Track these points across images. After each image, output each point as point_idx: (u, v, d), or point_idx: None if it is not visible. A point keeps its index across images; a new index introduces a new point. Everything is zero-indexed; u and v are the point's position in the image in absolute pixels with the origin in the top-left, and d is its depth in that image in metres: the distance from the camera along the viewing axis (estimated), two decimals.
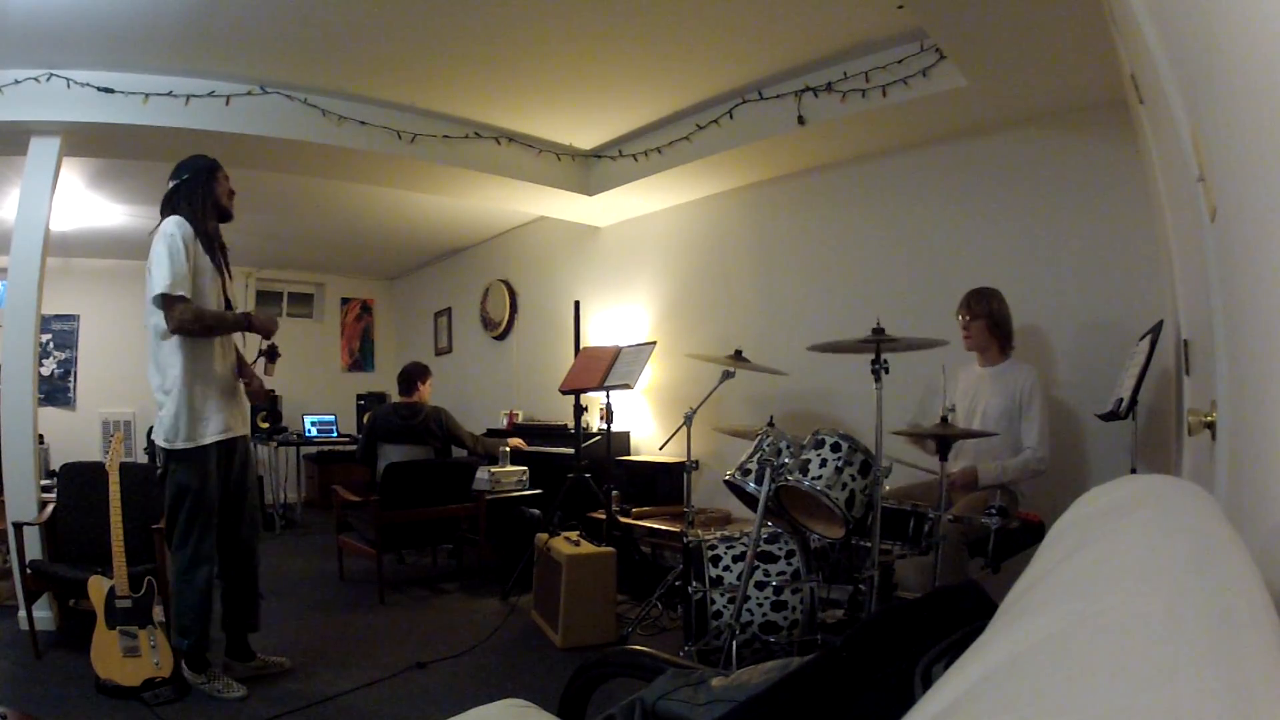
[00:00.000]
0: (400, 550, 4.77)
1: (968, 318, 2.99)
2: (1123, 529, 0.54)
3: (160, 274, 2.49)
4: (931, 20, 2.69)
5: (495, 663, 2.98)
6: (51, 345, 6.70)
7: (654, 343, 4.23)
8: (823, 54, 3.40)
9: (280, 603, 3.76)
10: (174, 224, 2.56)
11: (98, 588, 2.58)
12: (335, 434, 7.13)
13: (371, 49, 3.40)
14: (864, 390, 2.84)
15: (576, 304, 4.96)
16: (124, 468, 2.82)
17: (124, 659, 2.52)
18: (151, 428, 6.19)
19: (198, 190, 2.67)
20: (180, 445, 2.55)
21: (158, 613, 2.63)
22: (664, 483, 4.61)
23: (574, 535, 3.42)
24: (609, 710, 1.11)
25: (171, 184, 2.69)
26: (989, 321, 2.96)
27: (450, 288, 7.45)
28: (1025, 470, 2.81)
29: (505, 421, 5.60)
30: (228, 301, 2.75)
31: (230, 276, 2.80)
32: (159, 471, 2.67)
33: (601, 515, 3.92)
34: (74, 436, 6.57)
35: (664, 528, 4.07)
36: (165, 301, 2.49)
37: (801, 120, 3.57)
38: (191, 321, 2.52)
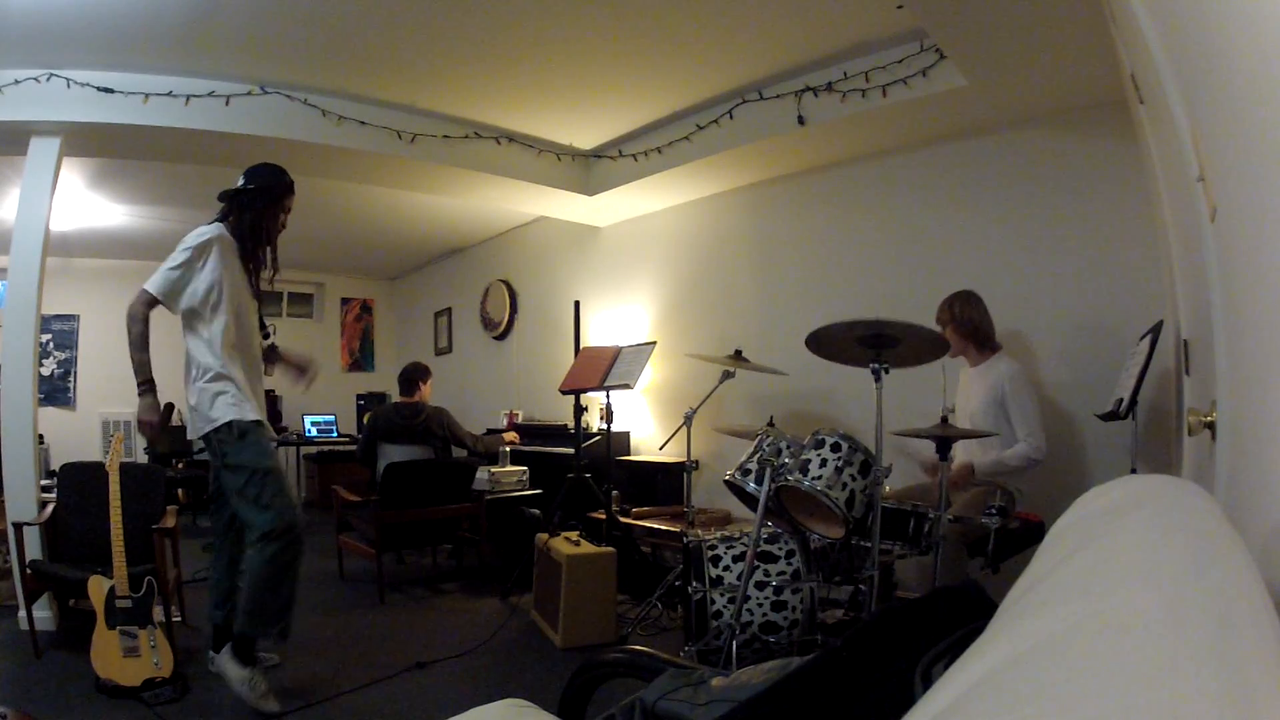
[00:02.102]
0: (400, 550, 4.77)
1: (940, 325, 3.04)
2: (1123, 529, 0.53)
3: (163, 275, 2.48)
4: (931, 20, 2.69)
5: (495, 663, 2.98)
6: (51, 345, 6.71)
7: (654, 343, 4.23)
8: (823, 54, 3.40)
9: None
10: (204, 236, 2.52)
11: (98, 588, 2.58)
12: (335, 434, 7.14)
13: (371, 49, 3.40)
14: (864, 390, 2.84)
15: (576, 304, 4.96)
16: (124, 468, 2.82)
17: (124, 659, 2.52)
18: None
19: (258, 206, 2.66)
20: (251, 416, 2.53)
21: (158, 613, 2.63)
22: (664, 483, 4.61)
23: (574, 535, 3.42)
24: (609, 710, 1.12)
25: (239, 185, 2.68)
26: (955, 326, 3.01)
27: (450, 288, 7.45)
28: (1024, 460, 2.79)
29: (505, 421, 5.59)
30: (262, 321, 2.78)
31: (259, 298, 2.77)
32: (224, 455, 2.51)
33: (601, 515, 3.91)
34: (74, 436, 6.59)
35: (664, 528, 4.07)
36: (145, 295, 2.46)
37: (801, 120, 3.57)
38: (133, 320, 2.44)
